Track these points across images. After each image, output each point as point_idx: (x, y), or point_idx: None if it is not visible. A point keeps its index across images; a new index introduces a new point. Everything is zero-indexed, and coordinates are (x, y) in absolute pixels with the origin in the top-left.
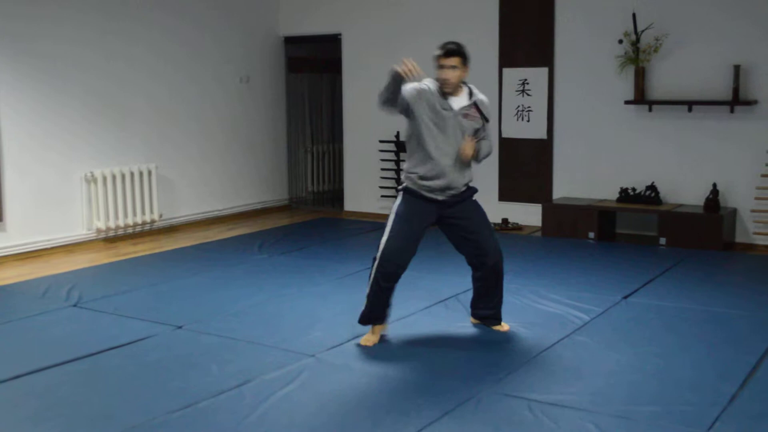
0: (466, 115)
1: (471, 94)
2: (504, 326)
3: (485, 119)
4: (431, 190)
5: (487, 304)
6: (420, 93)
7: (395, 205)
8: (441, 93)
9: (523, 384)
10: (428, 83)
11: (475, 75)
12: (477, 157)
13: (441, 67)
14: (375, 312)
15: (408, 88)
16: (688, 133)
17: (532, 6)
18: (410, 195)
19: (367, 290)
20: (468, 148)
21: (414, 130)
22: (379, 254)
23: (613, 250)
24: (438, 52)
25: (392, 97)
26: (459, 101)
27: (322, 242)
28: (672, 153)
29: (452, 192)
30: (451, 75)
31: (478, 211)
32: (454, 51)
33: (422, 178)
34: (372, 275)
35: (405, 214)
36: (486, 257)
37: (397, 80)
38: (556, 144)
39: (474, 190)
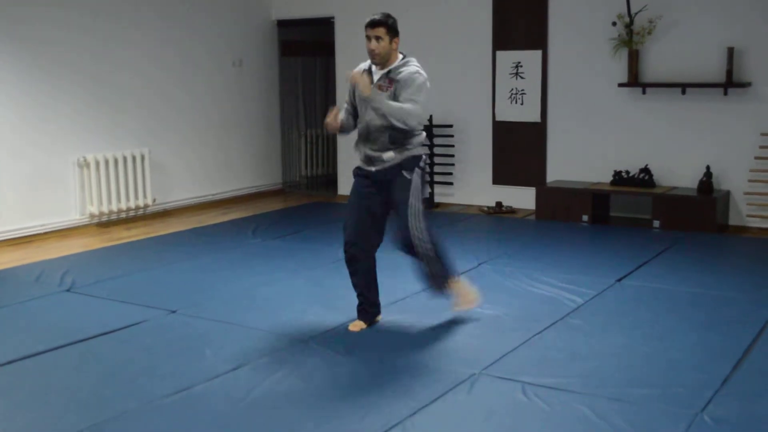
0: (379, 87)
1: (403, 65)
2: (469, 300)
3: (397, 87)
4: (362, 161)
5: (427, 279)
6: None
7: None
8: (369, 68)
9: (516, 367)
10: (365, 63)
11: (469, 58)
12: (369, 100)
13: (367, 38)
14: (359, 306)
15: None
16: (681, 115)
17: None
18: (354, 174)
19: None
20: (354, 77)
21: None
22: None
23: (607, 233)
24: (365, 22)
25: (349, 127)
26: (379, 75)
27: (316, 226)
28: (666, 135)
29: (377, 163)
30: (376, 46)
31: (401, 184)
32: (378, 22)
33: (357, 151)
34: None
35: (351, 195)
36: (396, 238)
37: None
38: (549, 127)
39: (409, 165)
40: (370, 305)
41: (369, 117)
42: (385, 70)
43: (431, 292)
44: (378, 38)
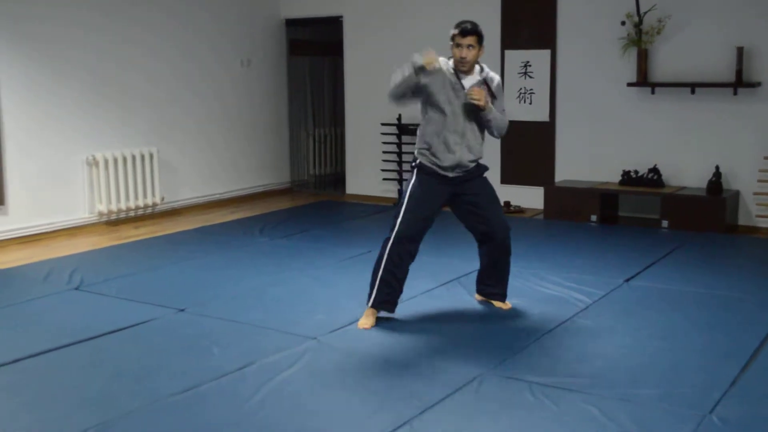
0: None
1: (482, 72)
2: (506, 304)
3: (493, 96)
4: (443, 167)
5: (493, 280)
6: (432, 74)
7: (410, 184)
8: (454, 71)
9: (524, 366)
10: (442, 62)
11: None
12: (485, 111)
13: (458, 45)
14: (385, 296)
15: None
16: (690, 115)
17: None
18: (423, 172)
19: (379, 273)
20: (477, 92)
21: (428, 108)
22: (393, 234)
23: (616, 233)
24: (455, 31)
25: (409, 91)
26: (470, 80)
27: (324, 225)
28: (675, 135)
29: (462, 169)
30: (468, 54)
31: (488, 188)
32: (471, 30)
33: (434, 155)
34: (385, 256)
35: (419, 193)
36: (494, 233)
37: (418, 73)
38: (558, 127)
39: (485, 168)
40: (399, 296)
41: (463, 123)
42: (481, 77)
43: (496, 294)
44: (470, 47)
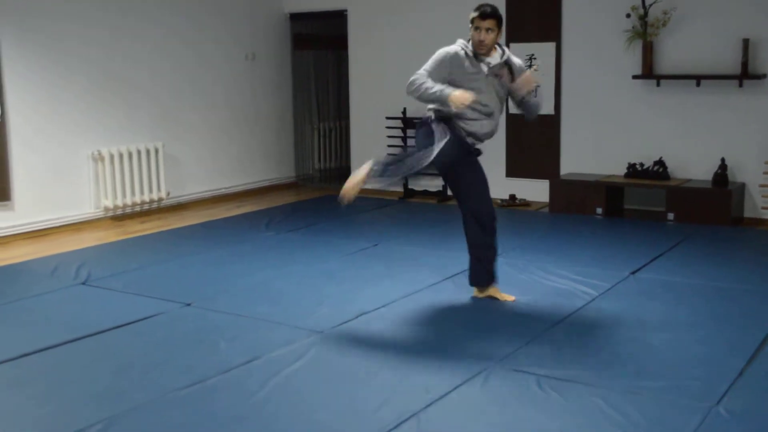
0: (496, 75)
1: (503, 54)
2: (509, 297)
3: (513, 79)
4: (470, 134)
5: (481, 264)
6: (453, 63)
7: (444, 141)
8: (474, 54)
9: (531, 359)
10: (459, 46)
11: None
12: (531, 98)
13: (477, 29)
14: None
15: (439, 65)
16: (696, 107)
17: None
18: (467, 148)
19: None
20: (528, 80)
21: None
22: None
23: (621, 226)
24: (474, 14)
25: (430, 102)
26: (493, 59)
27: (330, 219)
28: (680, 128)
29: (481, 143)
30: (487, 37)
31: (481, 169)
32: (491, 13)
33: (463, 124)
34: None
35: (476, 168)
36: (489, 209)
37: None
38: (563, 119)
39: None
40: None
41: (493, 103)
42: (503, 59)
43: (487, 269)
44: (489, 30)
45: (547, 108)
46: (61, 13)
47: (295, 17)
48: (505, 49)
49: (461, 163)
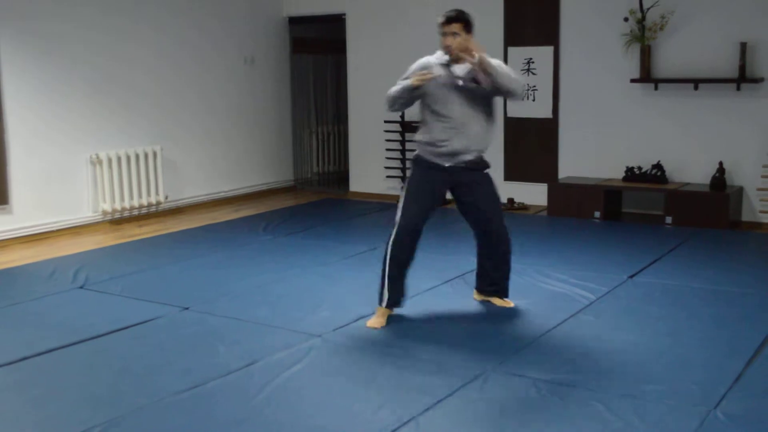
0: (473, 80)
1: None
2: (508, 302)
3: (491, 74)
4: (439, 155)
5: (491, 278)
6: (425, 70)
7: (408, 179)
8: (446, 62)
9: (529, 363)
10: (434, 56)
11: None
12: (486, 69)
13: (444, 34)
14: (396, 294)
15: (411, 69)
16: (694, 111)
17: None
18: (419, 165)
19: (386, 271)
20: (463, 42)
21: (427, 98)
22: (395, 230)
23: (619, 229)
24: (440, 19)
25: (407, 102)
26: (464, 68)
27: (328, 223)
28: (678, 131)
29: (459, 158)
30: (452, 41)
31: (488, 185)
32: (454, 18)
33: (429, 144)
34: (389, 253)
35: (416, 185)
36: (491, 234)
37: (413, 91)
38: (561, 123)
39: (487, 165)
40: (406, 291)
41: (460, 112)
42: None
43: (500, 288)
44: (455, 34)
45: (545, 112)
46: (60, 16)
47: (294, 21)
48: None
49: (435, 183)
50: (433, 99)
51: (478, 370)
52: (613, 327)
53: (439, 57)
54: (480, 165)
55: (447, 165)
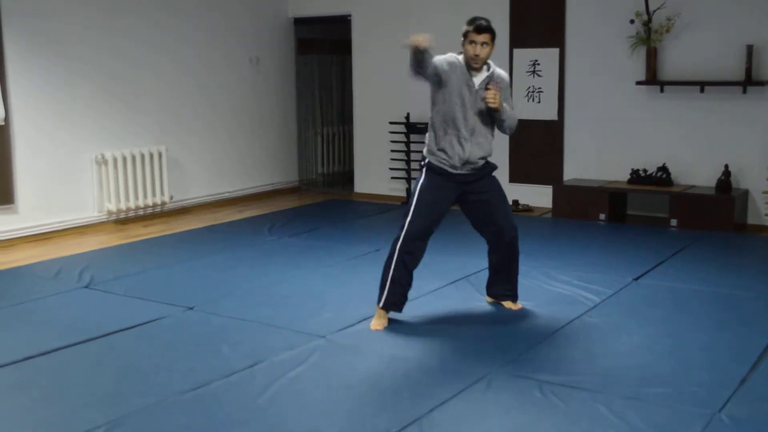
0: (486, 90)
1: (489, 68)
2: (516, 305)
3: (499, 113)
4: (451, 164)
5: (503, 282)
6: (452, 66)
7: (418, 183)
8: (467, 68)
9: (533, 365)
10: (456, 57)
11: None
12: (500, 112)
13: (472, 42)
14: (397, 297)
15: (441, 58)
16: (700, 113)
17: None
18: (432, 171)
19: (390, 273)
20: (492, 95)
21: (442, 103)
22: (402, 234)
23: (624, 232)
24: (469, 27)
25: (419, 65)
26: (480, 77)
27: (332, 224)
28: (684, 134)
29: (471, 166)
30: (482, 51)
31: (496, 187)
32: (486, 27)
33: (443, 150)
34: (395, 256)
35: (428, 193)
36: (502, 233)
37: (417, 52)
38: (566, 125)
39: (494, 167)
40: (407, 296)
41: (473, 120)
42: (488, 73)
43: (506, 295)
44: (484, 44)
45: (550, 114)
46: (66, 16)
47: (299, 22)
48: (491, 63)
49: (446, 192)
50: (447, 106)
51: (483, 371)
52: (617, 329)
53: (462, 60)
54: (488, 168)
55: (458, 173)
